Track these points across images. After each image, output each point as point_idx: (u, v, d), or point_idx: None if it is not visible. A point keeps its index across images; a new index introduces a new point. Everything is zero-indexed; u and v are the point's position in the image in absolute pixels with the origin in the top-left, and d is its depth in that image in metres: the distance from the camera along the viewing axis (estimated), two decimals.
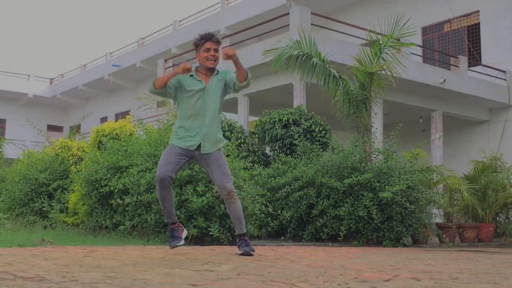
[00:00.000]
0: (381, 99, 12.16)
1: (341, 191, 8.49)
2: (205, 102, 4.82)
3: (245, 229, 4.95)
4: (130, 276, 2.96)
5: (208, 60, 4.84)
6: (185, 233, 4.97)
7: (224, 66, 5.54)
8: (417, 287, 3.01)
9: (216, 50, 4.88)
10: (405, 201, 8.30)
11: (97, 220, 8.08)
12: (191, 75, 4.87)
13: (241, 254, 4.78)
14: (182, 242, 4.86)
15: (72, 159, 10.44)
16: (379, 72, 9.81)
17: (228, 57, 4.59)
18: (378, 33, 10.11)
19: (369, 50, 9.97)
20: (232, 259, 4.28)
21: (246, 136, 12.31)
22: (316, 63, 9.85)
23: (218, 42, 4.92)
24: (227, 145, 8.32)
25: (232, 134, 11.96)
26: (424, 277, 3.48)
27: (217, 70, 4.99)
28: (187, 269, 3.44)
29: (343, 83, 9.83)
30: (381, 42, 9.94)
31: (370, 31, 10.20)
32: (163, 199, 4.79)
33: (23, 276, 2.75)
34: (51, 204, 9.65)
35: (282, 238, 9.11)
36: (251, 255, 4.77)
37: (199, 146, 4.82)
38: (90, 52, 73.12)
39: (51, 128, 37.47)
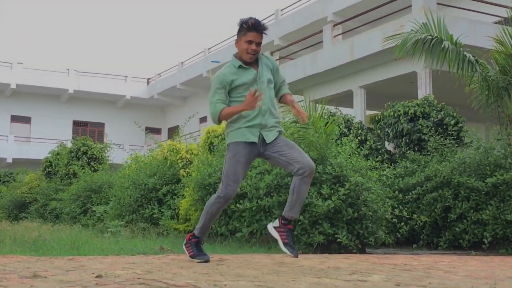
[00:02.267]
0: None
1: (483, 192, 8.14)
2: (260, 90, 4.65)
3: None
4: (281, 286, 2.95)
5: (247, 53, 4.71)
6: None
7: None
8: None
9: (258, 44, 4.74)
10: None
11: (211, 227, 8.20)
12: (240, 66, 4.76)
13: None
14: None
15: (181, 162, 10.68)
16: None
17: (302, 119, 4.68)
18: None
19: (510, 28, 9.53)
20: (379, 269, 4.19)
21: (366, 132, 12.13)
22: (448, 47, 9.55)
23: (262, 33, 4.74)
24: (349, 142, 8.21)
25: (351, 131, 11.83)
26: None
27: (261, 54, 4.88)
28: (336, 279, 3.40)
29: (480, 68, 9.46)
30: None
31: (510, 7, 9.74)
32: (216, 214, 4.80)
33: (175, 284, 2.82)
34: (162, 210, 9.92)
35: (415, 245, 8.88)
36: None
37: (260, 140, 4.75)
38: (188, 49, 75.27)
39: (149, 130, 38.51)
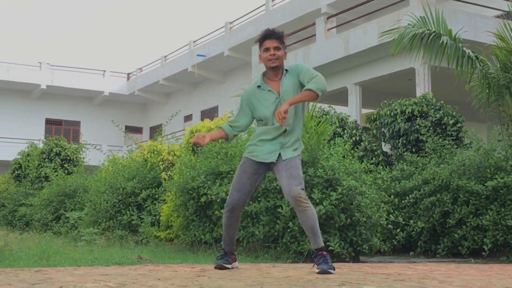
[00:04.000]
0: None
1: (483, 196, 8.24)
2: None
3: (322, 242, 4.96)
4: None
5: (269, 61, 5.06)
6: (235, 264, 5.17)
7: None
8: None
9: (277, 48, 5.07)
10: None
11: (194, 235, 8.23)
12: (259, 86, 5.12)
13: (319, 273, 4.72)
14: (229, 267, 5.03)
15: (162, 164, 10.70)
16: None
17: (282, 118, 4.76)
18: None
19: None
20: (370, 279, 4.26)
21: (361, 132, 12.21)
22: (447, 43, 9.64)
23: (278, 38, 5.10)
24: (343, 144, 8.29)
25: (345, 131, 11.90)
26: None
27: (286, 70, 5.15)
28: None
29: (480, 65, 9.56)
30: None
31: (511, 0, 9.85)
32: (228, 226, 5.09)
33: None
34: (141, 216, 9.93)
35: (411, 253, 8.96)
36: (330, 273, 4.70)
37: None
38: (172, 42, 75.09)
39: (129, 129, 38.02)
